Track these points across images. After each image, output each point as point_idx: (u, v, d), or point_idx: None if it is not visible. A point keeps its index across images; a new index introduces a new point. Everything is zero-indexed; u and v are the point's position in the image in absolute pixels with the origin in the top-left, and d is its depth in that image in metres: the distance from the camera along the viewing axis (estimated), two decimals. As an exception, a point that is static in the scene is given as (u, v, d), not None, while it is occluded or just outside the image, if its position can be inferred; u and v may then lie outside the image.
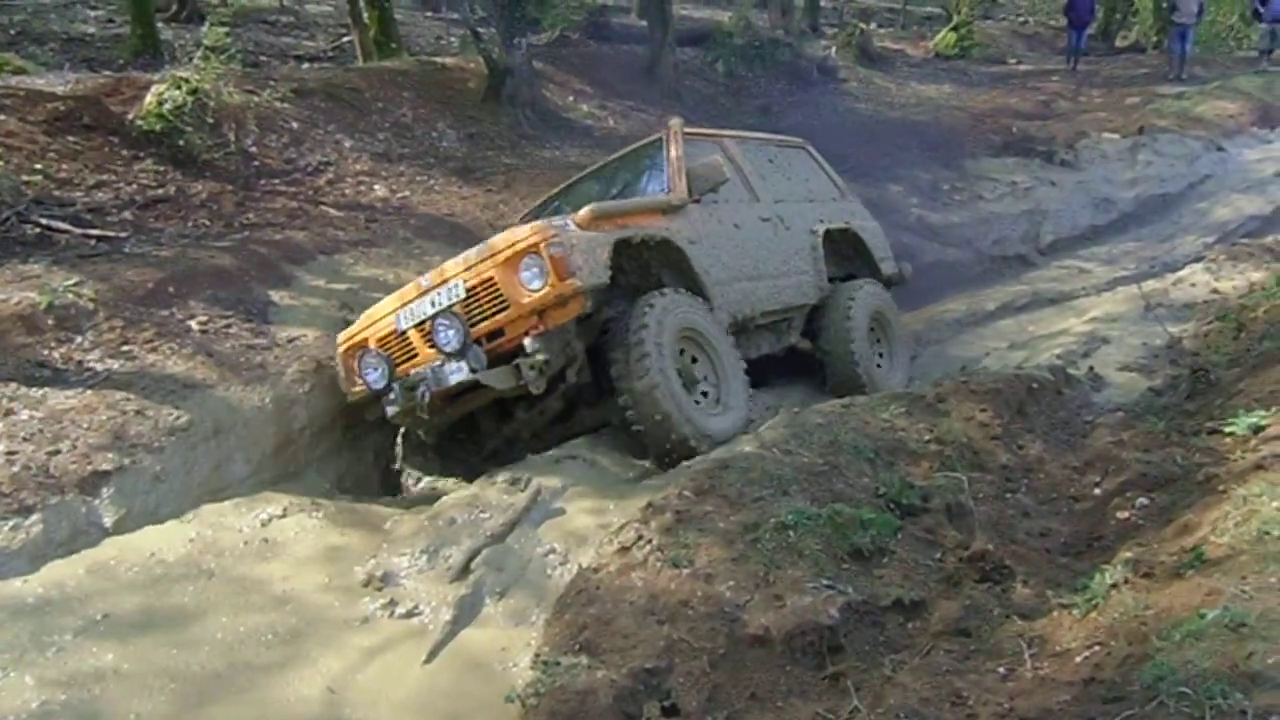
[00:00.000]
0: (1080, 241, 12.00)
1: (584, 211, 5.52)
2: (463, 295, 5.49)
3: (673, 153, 6.71)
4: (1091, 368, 6.72)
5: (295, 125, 10.01)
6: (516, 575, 4.60)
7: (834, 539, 4.11)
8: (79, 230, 7.19)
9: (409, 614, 4.50)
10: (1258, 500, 3.60)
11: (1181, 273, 8.86)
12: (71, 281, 6.33)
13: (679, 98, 14.81)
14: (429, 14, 18.09)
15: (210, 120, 9.04)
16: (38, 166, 7.75)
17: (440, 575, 4.67)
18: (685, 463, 5.22)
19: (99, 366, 5.85)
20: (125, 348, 6.04)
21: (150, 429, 5.49)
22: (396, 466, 6.38)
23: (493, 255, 5.42)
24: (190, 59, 9.49)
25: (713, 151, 6.97)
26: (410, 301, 5.76)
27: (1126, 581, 3.44)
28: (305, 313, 6.99)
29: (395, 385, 5.64)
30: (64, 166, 8.00)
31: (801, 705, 3.41)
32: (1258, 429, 4.44)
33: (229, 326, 6.55)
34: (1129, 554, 3.70)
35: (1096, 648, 3.13)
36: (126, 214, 7.73)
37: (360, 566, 4.82)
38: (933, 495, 4.59)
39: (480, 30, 13.03)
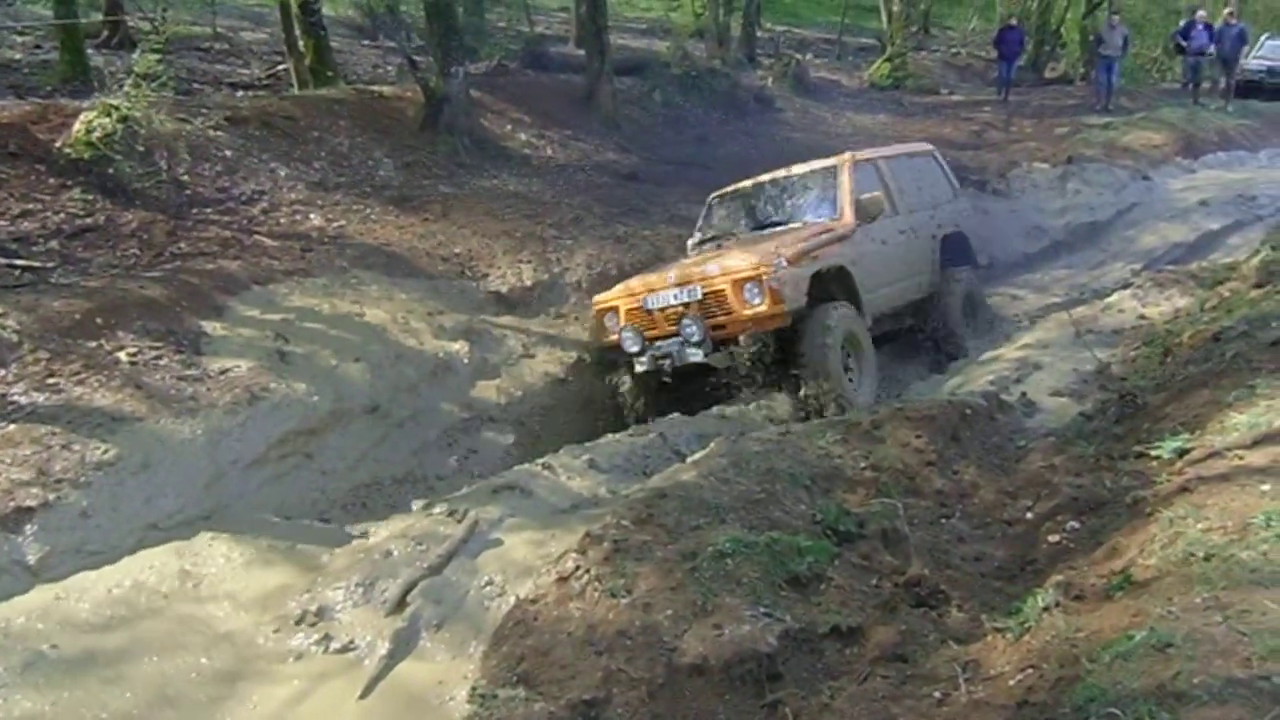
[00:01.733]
0: (1012, 269, 12.19)
1: (793, 251, 7.43)
2: (700, 297, 7.52)
3: (846, 185, 8.37)
4: (1024, 393, 6.82)
5: (229, 154, 9.87)
6: (454, 607, 4.55)
7: (771, 567, 4.13)
8: (3, 260, 7.04)
9: (344, 648, 4.42)
10: (1183, 522, 3.68)
11: (1110, 299, 9.06)
12: (-5, 313, 6.19)
13: (617, 127, 14.85)
14: (366, 42, 17.89)
15: (141, 148, 8.89)
16: (-40, 195, 7.58)
17: (376, 608, 4.60)
18: (624, 492, 5.29)
19: (23, 400, 5.72)
20: (51, 380, 5.91)
21: (77, 463, 5.37)
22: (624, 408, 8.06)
23: (726, 275, 7.40)
24: (121, 86, 9.33)
25: (871, 175, 8.68)
26: (658, 290, 7.73)
27: (1058, 604, 3.49)
28: (238, 343, 6.88)
29: (648, 354, 7.61)
30: (-12, 195, 7.83)
31: (740, 734, 3.41)
32: (1182, 452, 4.54)
33: (159, 358, 6.42)
34: (1060, 577, 3.76)
35: (1029, 670, 3.17)
36: (53, 244, 7.58)
37: (295, 601, 4.73)
38: (869, 521, 4.63)
39: (417, 59, 12.98)
